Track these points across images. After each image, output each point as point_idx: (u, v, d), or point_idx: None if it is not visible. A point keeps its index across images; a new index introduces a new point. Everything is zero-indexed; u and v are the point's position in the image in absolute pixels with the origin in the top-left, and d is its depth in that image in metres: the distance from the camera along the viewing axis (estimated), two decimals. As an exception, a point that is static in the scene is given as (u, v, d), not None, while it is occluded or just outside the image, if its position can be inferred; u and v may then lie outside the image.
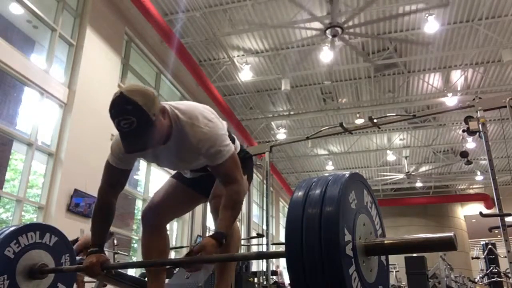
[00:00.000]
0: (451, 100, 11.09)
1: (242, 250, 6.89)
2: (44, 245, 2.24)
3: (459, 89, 11.32)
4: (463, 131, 4.49)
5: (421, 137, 14.21)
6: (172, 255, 8.52)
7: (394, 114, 9.29)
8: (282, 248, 1.46)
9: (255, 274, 6.19)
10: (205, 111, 1.88)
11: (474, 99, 4.32)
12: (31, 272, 2.14)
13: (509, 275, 7.67)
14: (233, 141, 2.04)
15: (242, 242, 6.85)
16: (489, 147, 4.09)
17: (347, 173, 1.42)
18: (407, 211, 18.66)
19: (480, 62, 10.45)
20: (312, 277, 1.24)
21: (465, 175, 17.38)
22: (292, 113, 12.55)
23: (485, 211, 13.65)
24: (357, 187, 1.45)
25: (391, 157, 15.41)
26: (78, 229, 6.13)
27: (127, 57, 8.95)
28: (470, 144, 13.56)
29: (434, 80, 11.15)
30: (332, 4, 8.11)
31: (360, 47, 9.75)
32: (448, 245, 1.34)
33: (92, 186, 6.65)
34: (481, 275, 9.13)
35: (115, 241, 6.26)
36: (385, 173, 16.46)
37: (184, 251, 8.57)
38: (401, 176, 16.03)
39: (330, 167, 16.41)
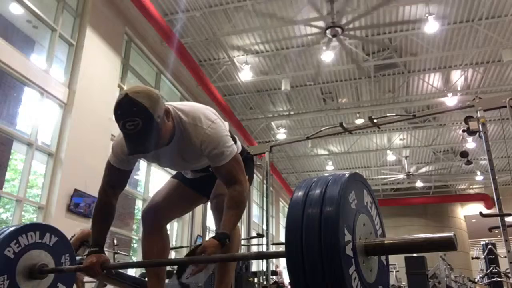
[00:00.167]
0: (451, 100, 11.09)
1: (242, 250, 6.89)
2: (44, 245, 2.24)
3: (459, 89, 11.32)
4: (463, 131, 4.49)
5: (421, 137, 14.21)
6: (172, 255, 8.52)
7: (394, 114, 9.29)
8: (282, 248, 1.46)
9: (255, 274, 6.19)
10: (207, 112, 1.88)
11: (474, 99, 4.32)
12: (31, 272, 2.14)
13: (509, 275, 7.68)
14: (235, 142, 2.04)
15: (242, 242, 6.85)
16: (489, 147, 4.09)
17: (347, 173, 1.42)
18: (407, 211, 18.66)
19: (480, 62, 10.45)
20: (312, 277, 1.24)
21: (465, 175, 17.38)
22: (292, 113, 12.55)
23: (485, 211, 13.65)
24: (357, 187, 1.45)
25: (391, 157, 15.41)
26: (78, 229, 6.12)
27: (127, 57, 8.96)
28: (470, 144, 13.56)
29: (434, 80, 11.15)
30: (332, 4, 8.11)
31: (360, 47, 9.75)
32: (448, 245, 1.34)
33: (92, 186, 6.65)
34: (481, 275, 9.13)
35: (115, 241, 6.26)
36: (385, 173, 16.46)
37: (184, 251, 8.57)
38: (401, 176, 16.04)
39: (330, 167, 16.41)
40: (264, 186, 6.01)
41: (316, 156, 15.82)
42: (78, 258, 2.53)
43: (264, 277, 5.92)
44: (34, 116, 6.56)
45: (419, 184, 17.64)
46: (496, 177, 3.95)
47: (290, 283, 1.31)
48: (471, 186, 19.31)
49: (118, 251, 6.18)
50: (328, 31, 8.23)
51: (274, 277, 9.42)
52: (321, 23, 8.49)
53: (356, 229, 1.36)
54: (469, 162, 11.86)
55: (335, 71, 10.69)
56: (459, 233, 18.09)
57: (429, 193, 18.69)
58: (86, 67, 7.27)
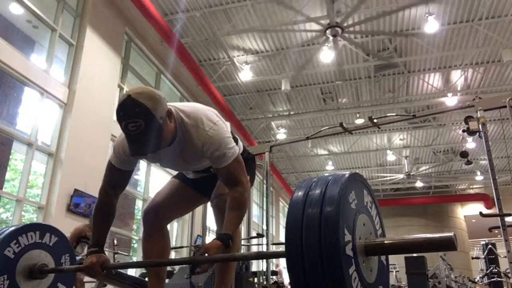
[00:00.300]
0: (451, 100, 11.09)
1: (242, 250, 6.88)
2: (44, 245, 2.24)
3: (459, 89, 11.32)
4: (463, 131, 4.49)
5: (421, 137, 14.21)
6: (172, 255, 8.52)
7: (394, 114, 9.29)
8: (282, 248, 1.46)
9: (255, 274, 6.19)
10: (209, 113, 1.88)
11: (474, 99, 4.32)
12: (31, 272, 2.14)
13: (509, 275, 7.67)
14: (236, 142, 2.04)
15: (242, 242, 6.85)
16: (489, 147, 4.09)
17: (347, 173, 1.42)
18: (407, 211, 18.65)
19: (480, 62, 10.45)
20: (312, 277, 1.24)
21: (465, 175, 17.38)
22: (292, 113, 12.55)
23: (485, 211, 13.65)
24: (357, 187, 1.45)
25: (391, 157, 15.41)
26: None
27: (127, 57, 8.96)
28: (470, 144, 13.56)
29: (434, 80, 11.15)
30: (332, 4, 8.11)
31: (360, 47, 9.74)
32: (448, 245, 1.34)
33: (92, 186, 6.65)
34: (481, 275, 9.12)
35: (115, 241, 6.26)
36: (385, 173, 16.46)
37: (184, 251, 8.57)
38: (401, 176, 16.03)
39: (330, 167, 16.41)
40: (264, 186, 6.01)
41: (316, 156, 15.82)
42: (78, 258, 2.53)
43: (264, 277, 5.92)
44: (34, 116, 6.56)
45: (419, 184, 17.64)
46: (496, 177, 3.95)
47: (290, 283, 1.31)
48: (471, 186, 19.31)
49: (118, 251, 6.18)
50: (328, 31, 8.23)
51: (274, 277, 9.42)
52: (321, 23, 8.48)
53: (356, 229, 1.36)
54: (469, 162, 11.86)
55: (335, 71, 10.68)
56: (459, 233, 18.09)
57: (429, 193, 18.69)
58: (86, 67, 7.27)
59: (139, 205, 9.60)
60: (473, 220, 18.96)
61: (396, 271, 10.50)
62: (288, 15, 8.67)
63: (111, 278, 2.76)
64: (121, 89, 8.46)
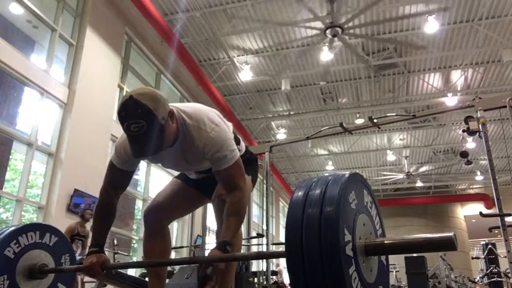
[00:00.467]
0: (451, 100, 11.09)
1: (242, 250, 6.87)
2: (44, 245, 2.24)
3: (459, 89, 11.32)
4: (463, 131, 4.49)
5: (421, 137, 14.21)
6: (172, 255, 8.51)
7: (394, 114, 9.29)
8: (282, 248, 1.46)
9: (255, 274, 6.18)
10: (211, 115, 1.87)
11: (474, 99, 4.32)
12: (31, 272, 2.14)
13: (509, 275, 7.67)
14: (238, 142, 2.03)
15: (242, 242, 6.84)
16: (489, 147, 4.09)
17: (347, 173, 1.42)
18: (407, 211, 18.66)
19: (480, 62, 10.45)
20: (312, 277, 1.24)
21: (465, 175, 17.39)
22: (292, 113, 12.55)
23: (485, 211, 13.65)
24: (357, 187, 1.45)
25: (391, 157, 15.41)
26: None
27: (127, 57, 8.96)
28: (470, 144, 13.57)
29: (434, 80, 11.15)
30: (332, 4, 8.11)
31: (360, 47, 9.75)
32: (448, 245, 1.34)
33: (92, 186, 6.66)
34: (481, 275, 9.12)
35: (115, 241, 6.27)
36: (385, 173, 16.46)
37: (184, 251, 8.58)
38: (401, 176, 16.03)
39: (330, 167, 16.41)
40: (264, 186, 6.01)
41: (316, 156, 15.82)
42: (78, 258, 2.53)
43: (264, 277, 5.92)
44: (34, 116, 6.57)
45: (419, 184, 17.64)
46: (496, 177, 3.94)
47: (290, 283, 1.31)
48: (471, 186, 19.31)
49: (118, 251, 6.19)
50: (328, 31, 8.23)
51: (274, 277, 9.42)
52: (321, 23, 8.48)
53: (356, 229, 1.35)
54: (469, 162, 11.86)
55: (335, 71, 10.69)
56: (459, 233, 18.09)
57: (429, 193, 18.70)
58: (86, 67, 7.28)
59: (139, 205, 9.60)
60: (473, 220, 18.96)
61: (396, 271, 10.50)
62: (288, 15, 8.67)
63: (111, 278, 2.76)
64: (121, 89, 8.46)
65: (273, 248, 7.38)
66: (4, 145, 7.89)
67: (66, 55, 7.30)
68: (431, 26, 8.59)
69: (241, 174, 1.86)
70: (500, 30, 9.21)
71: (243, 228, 7.38)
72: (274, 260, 12.28)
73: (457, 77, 11.01)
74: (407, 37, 9.40)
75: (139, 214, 9.65)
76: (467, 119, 4.29)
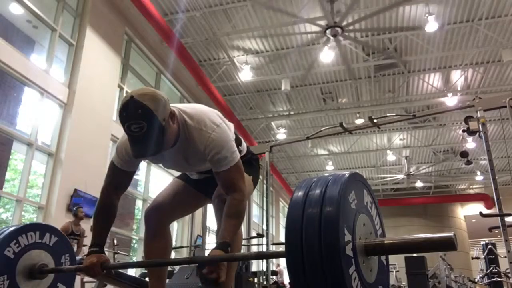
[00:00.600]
0: (451, 100, 11.09)
1: (242, 250, 6.87)
2: (44, 245, 2.24)
3: (459, 89, 11.32)
4: (463, 131, 4.48)
5: (421, 137, 14.21)
6: (172, 255, 8.52)
7: (394, 114, 9.28)
8: (282, 248, 1.46)
9: (255, 274, 6.18)
10: (212, 116, 1.87)
11: (474, 99, 4.31)
12: (31, 272, 2.14)
13: (509, 275, 7.67)
14: (240, 143, 2.03)
15: (242, 242, 6.84)
16: (489, 147, 4.08)
17: (347, 173, 1.42)
18: (407, 211, 18.66)
19: (480, 62, 10.45)
20: (312, 277, 1.24)
21: (465, 175, 17.39)
22: (292, 113, 12.55)
23: (485, 211, 13.64)
24: (357, 187, 1.45)
25: (391, 157, 15.42)
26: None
27: (127, 57, 8.96)
28: (470, 144, 13.56)
29: (434, 80, 11.15)
30: (332, 4, 8.11)
31: (360, 47, 9.75)
32: (448, 245, 1.34)
33: (92, 186, 6.66)
34: (481, 275, 9.12)
35: (115, 241, 6.27)
36: (385, 173, 16.46)
37: (185, 251, 8.58)
38: (401, 176, 16.03)
39: (330, 167, 16.41)
40: (264, 186, 6.01)
41: (316, 156, 15.82)
42: (78, 258, 2.52)
43: (264, 277, 5.92)
44: (34, 116, 6.57)
45: (419, 184, 17.64)
46: (496, 177, 3.94)
47: (290, 283, 1.31)
48: (471, 186, 19.31)
49: (118, 251, 6.19)
50: (328, 31, 8.23)
51: (274, 277, 9.42)
52: (321, 23, 8.48)
53: (356, 229, 1.35)
54: (469, 162, 11.86)
55: (335, 71, 10.69)
56: (459, 233, 18.09)
57: (429, 193, 18.70)
58: (86, 67, 7.28)
59: (139, 205, 9.60)
60: (473, 220, 18.97)
61: (396, 271, 10.49)
62: (288, 15, 8.67)
63: (111, 278, 2.76)
64: (121, 89, 8.47)
65: (273, 248, 7.38)
66: (4, 145, 7.88)
67: (66, 55, 7.30)
68: (431, 26, 8.59)
69: (241, 176, 1.86)
70: (500, 30, 9.21)
71: (243, 228, 7.38)
72: (274, 260, 12.29)
73: (457, 77, 11.01)
74: (407, 37, 9.40)
75: (139, 214, 9.65)
76: (467, 119, 4.29)
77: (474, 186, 19.19)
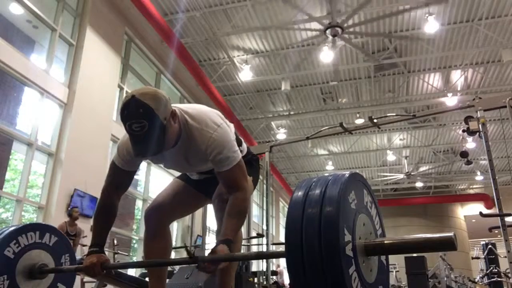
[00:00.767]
0: (451, 100, 11.09)
1: (242, 250, 6.87)
2: (44, 245, 2.24)
3: (459, 89, 11.32)
4: (463, 131, 4.49)
5: (421, 137, 14.21)
6: (172, 255, 8.52)
7: (394, 114, 9.29)
8: (282, 248, 1.46)
9: (255, 274, 6.18)
10: (214, 116, 1.87)
11: (474, 99, 4.32)
12: (31, 272, 2.14)
13: (509, 275, 7.67)
14: (240, 144, 2.03)
15: (242, 242, 6.85)
16: (489, 147, 4.09)
17: (347, 173, 1.42)
18: (407, 211, 18.66)
19: (480, 62, 10.45)
20: (312, 277, 1.24)
21: (465, 175, 17.39)
22: (292, 113, 12.55)
23: (485, 211, 13.64)
24: (357, 187, 1.45)
25: (391, 157, 15.42)
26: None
27: (127, 57, 8.96)
28: (470, 144, 13.56)
29: (434, 80, 11.15)
30: (332, 4, 8.11)
31: (360, 47, 9.75)
32: (448, 245, 1.34)
33: (92, 186, 6.66)
34: (481, 275, 9.12)
35: (115, 241, 6.27)
36: (385, 173, 16.46)
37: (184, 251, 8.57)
38: (401, 176, 16.03)
39: (330, 167, 16.41)
40: (264, 186, 6.01)
41: (316, 156, 15.82)
42: (78, 258, 2.52)
43: (264, 277, 5.92)
44: (34, 116, 6.56)
45: (419, 184, 17.64)
46: (496, 177, 3.94)
47: (290, 283, 1.31)
48: (471, 186, 19.31)
49: (118, 251, 6.19)
50: (328, 31, 8.23)
51: (274, 277, 9.42)
52: (321, 23, 8.48)
53: (356, 229, 1.35)
54: (469, 162, 11.85)
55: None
56: (459, 233, 18.09)
57: (429, 193, 18.70)
58: (86, 67, 7.28)
59: (139, 205, 9.60)
60: (473, 220, 18.96)
61: (396, 271, 10.50)
62: (288, 15, 8.67)
63: (111, 278, 2.76)
64: (121, 89, 8.47)
65: (273, 248, 7.38)
66: (4, 145, 7.88)
67: (66, 55, 7.30)
68: (431, 26, 8.59)
69: (243, 175, 1.86)
70: (500, 30, 9.21)
71: (243, 228, 7.39)
72: (274, 260, 12.29)
73: (457, 77, 11.01)
74: (407, 37, 9.39)
75: (139, 214, 9.65)
76: (467, 119, 4.29)
77: (474, 186, 19.19)
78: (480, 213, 4.19)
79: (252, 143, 12.15)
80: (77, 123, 6.94)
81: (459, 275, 10.58)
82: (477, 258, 9.34)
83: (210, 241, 7.27)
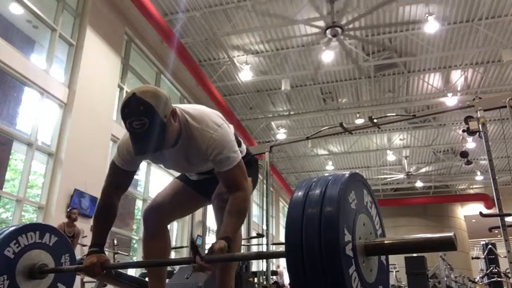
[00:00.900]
0: (451, 100, 11.09)
1: (242, 250, 6.87)
2: (44, 245, 2.24)
3: (459, 89, 11.32)
4: (463, 131, 4.49)
5: (421, 137, 14.21)
6: (172, 255, 8.52)
7: (394, 114, 9.29)
8: (282, 248, 1.46)
9: (255, 274, 6.19)
10: (214, 116, 1.88)
11: (474, 99, 4.32)
12: (31, 272, 2.14)
13: (509, 275, 7.67)
14: (239, 144, 2.03)
15: (242, 242, 6.85)
16: (489, 147, 4.09)
17: (347, 173, 1.42)
18: (407, 211, 18.66)
19: (480, 62, 10.45)
20: (312, 277, 1.24)
21: (465, 175, 17.39)
22: (292, 113, 12.55)
23: (485, 211, 13.64)
24: (357, 187, 1.45)
25: (391, 157, 15.42)
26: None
27: (127, 57, 8.96)
28: (470, 144, 13.55)
29: (434, 80, 11.15)
30: (332, 4, 8.11)
31: (360, 47, 9.75)
32: (448, 245, 1.34)
33: (92, 186, 6.66)
34: (481, 275, 9.12)
35: (115, 241, 6.27)
36: (385, 173, 16.46)
37: (185, 251, 8.58)
38: (401, 176, 16.03)
39: (330, 167, 16.41)
40: (264, 186, 6.02)
41: (316, 156, 15.82)
42: (78, 258, 2.52)
43: (264, 277, 5.92)
44: (34, 116, 6.56)
45: (419, 184, 17.64)
46: (496, 177, 3.95)
47: (290, 283, 1.31)
48: (471, 186, 19.31)
49: (118, 251, 6.19)
50: (328, 31, 8.23)
51: (274, 277, 9.42)
52: (321, 23, 8.48)
53: (356, 229, 1.35)
54: (469, 162, 11.85)
55: (335, 71, 10.69)
56: (459, 233, 18.08)
57: (429, 193, 18.70)
58: (86, 67, 7.28)
59: (139, 205, 9.60)
60: (473, 220, 18.96)
61: (396, 271, 10.50)
62: (289, 15, 8.67)
63: (111, 278, 2.76)
64: (121, 89, 8.47)
65: (273, 248, 7.39)
66: (4, 145, 7.88)
67: (66, 55, 7.30)
68: (431, 26, 8.59)
69: (243, 175, 1.86)
70: (500, 30, 9.21)
71: (243, 228, 7.39)
72: (274, 260, 12.29)
73: (457, 77, 11.01)
74: (407, 37, 9.40)
75: (139, 214, 9.65)
76: (467, 119, 4.30)
77: (474, 186, 19.19)
78: (480, 213, 4.20)
79: (252, 143, 12.15)
80: (77, 123, 6.94)
81: (459, 275, 10.58)
82: (477, 258, 9.34)
83: (210, 241, 7.27)
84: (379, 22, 9.00)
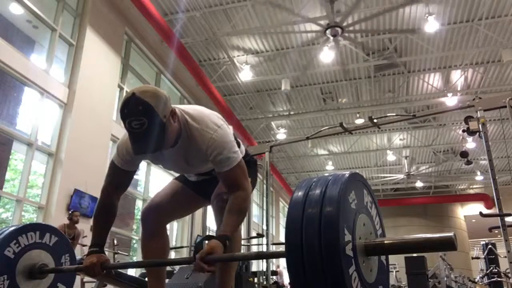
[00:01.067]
0: (451, 100, 11.09)
1: (242, 250, 6.86)
2: (44, 245, 2.24)
3: (459, 89, 11.32)
4: (463, 131, 4.49)
5: (421, 137, 14.21)
6: (172, 255, 8.52)
7: (394, 114, 9.29)
8: (282, 248, 1.46)
9: (255, 274, 6.18)
10: (214, 117, 1.88)
11: (474, 99, 4.32)
12: (31, 272, 2.14)
13: (509, 275, 7.67)
14: (239, 145, 2.04)
15: (242, 242, 6.84)
16: (489, 147, 4.09)
17: (347, 173, 1.42)
18: (407, 211, 18.66)
19: (480, 62, 10.45)
20: (312, 277, 1.24)
21: (465, 175, 17.39)
22: (292, 113, 12.55)
23: (485, 211, 13.64)
24: (357, 187, 1.45)
25: (391, 157, 15.42)
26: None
27: (127, 57, 8.96)
28: (470, 144, 13.55)
29: (434, 80, 11.15)
30: (332, 4, 8.11)
31: (360, 47, 9.75)
32: (448, 245, 1.34)
33: (92, 186, 6.66)
34: (481, 275, 9.12)
35: (115, 241, 6.27)
36: (385, 173, 16.46)
37: (185, 251, 8.58)
38: (401, 176, 16.03)
39: (330, 167, 16.41)
40: (264, 186, 6.01)
41: (316, 156, 15.81)
42: (78, 258, 2.53)
43: (264, 277, 5.92)
44: (34, 116, 6.56)
45: (419, 184, 17.64)
46: (496, 177, 3.95)
47: (290, 283, 1.31)
48: (471, 186, 19.31)
49: (118, 251, 6.19)
50: (328, 31, 8.23)
51: (274, 277, 9.42)
52: (321, 23, 8.48)
53: (356, 229, 1.36)
54: (469, 162, 11.85)
55: (335, 71, 10.68)
56: (459, 233, 18.08)
57: (429, 193, 18.70)
58: (86, 67, 7.28)
59: (139, 205, 9.60)
60: (473, 220, 18.96)
61: (396, 271, 10.50)
62: (288, 15, 8.67)
63: (111, 278, 2.76)
64: (121, 89, 8.47)
65: (273, 248, 7.38)
66: (4, 145, 7.88)
67: (66, 55, 7.30)
68: (431, 26, 8.59)
69: (244, 175, 1.86)
70: (500, 30, 9.21)
71: (243, 228, 7.39)
72: (274, 260, 12.29)
73: (457, 77, 11.01)
74: (407, 37, 9.40)
75: (139, 214, 9.62)
76: (467, 119, 4.30)
77: (474, 186, 19.19)
78: (480, 213, 4.19)
79: (252, 143, 12.15)
80: (77, 123, 6.94)
81: (459, 275, 10.58)
82: (477, 258, 9.34)
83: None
84: (379, 22, 9.00)
